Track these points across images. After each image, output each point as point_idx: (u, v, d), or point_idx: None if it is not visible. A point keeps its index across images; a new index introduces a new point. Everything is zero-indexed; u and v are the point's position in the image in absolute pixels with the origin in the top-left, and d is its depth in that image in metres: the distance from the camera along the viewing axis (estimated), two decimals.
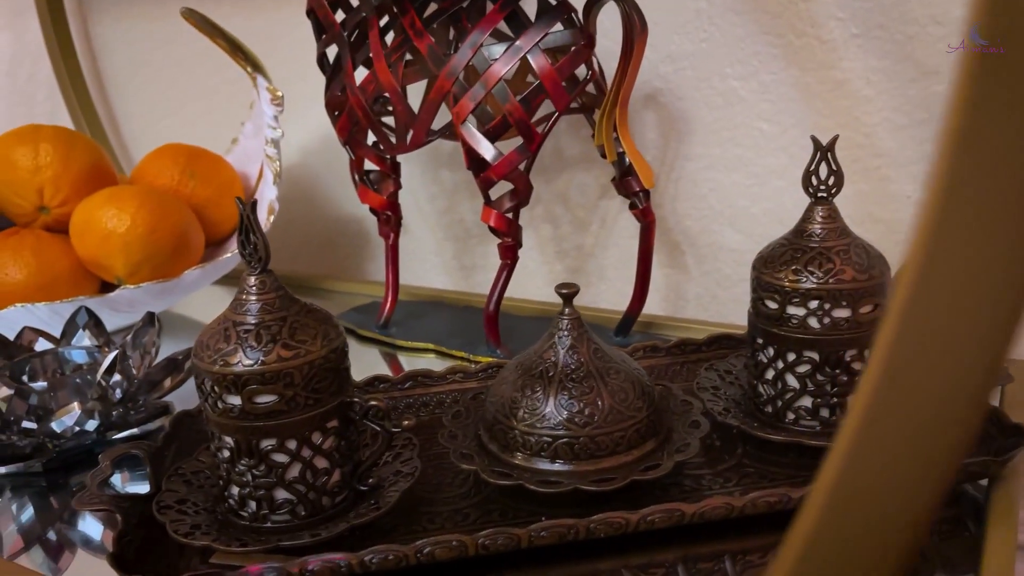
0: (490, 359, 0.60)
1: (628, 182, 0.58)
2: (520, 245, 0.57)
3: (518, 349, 0.61)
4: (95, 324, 0.58)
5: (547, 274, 0.74)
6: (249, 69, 0.66)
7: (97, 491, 0.40)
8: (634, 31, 0.51)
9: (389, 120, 0.62)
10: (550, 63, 0.53)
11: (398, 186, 0.63)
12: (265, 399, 0.38)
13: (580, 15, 0.54)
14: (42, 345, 0.57)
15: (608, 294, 0.72)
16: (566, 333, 0.42)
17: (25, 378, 0.54)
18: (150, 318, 0.56)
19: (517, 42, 0.53)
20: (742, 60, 0.61)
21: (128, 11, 0.91)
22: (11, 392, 0.48)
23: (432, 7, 0.58)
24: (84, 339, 0.58)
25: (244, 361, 0.37)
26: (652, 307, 0.69)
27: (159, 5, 0.89)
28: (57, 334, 0.58)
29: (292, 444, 0.38)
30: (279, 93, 0.66)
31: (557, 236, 0.72)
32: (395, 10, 0.58)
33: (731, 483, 0.42)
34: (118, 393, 0.51)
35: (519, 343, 0.61)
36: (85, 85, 0.93)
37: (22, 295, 0.64)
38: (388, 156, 0.62)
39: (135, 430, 0.50)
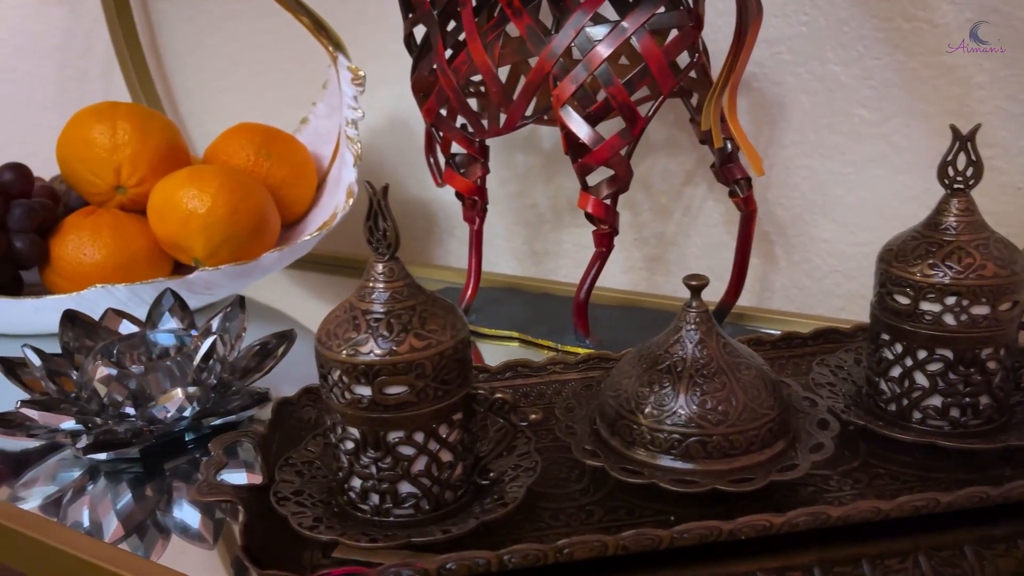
0: (582, 349, 0.58)
1: (730, 169, 0.56)
2: (617, 232, 0.56)
3: (605, 339, 0.59)
4: (180, 307, 0.57)
5: (624, 262, 0.73)
6: (330, 48, 0.65)
7: (216, 481, 0.39)
8: (749, 14, 0.49)
9: (472, 102, 0.60)
10: (657, 45, 0.52)
11: (486, 170, 0.61)
12: (395, 390, 0.36)
13: None
14: (126, 327, 0.56)
15: None
16: (694, 327, 0.41)
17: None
18: (239, 302, 0.55)
19: (623, 23, 0.51)
20: (845, 44, 0.59)
21: None
22: (108, 374, 0.47)
23: None
24: (169, 322, 0.57)
25: (376, 351, 0.36)
26: (750, 300, 0.68)
27: None
28: (134, 314, 0.57)
29: (419, 437, 0.37)
30: (361, 73, 0.65)
31: (637, 223, 0.71)
32: None
33: (861, 484, 0.41)
34: (213, 379, 0.50)
35: (603, 332, 0.60)
36: (144, 61, 0.91)
37: (100, 275, 0.63)
38: (477, 139, 0.60)
39: (232, 417, 0.49)
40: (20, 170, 0.62)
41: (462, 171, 0.62)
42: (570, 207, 0.74)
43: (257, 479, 0.41)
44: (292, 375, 0.53)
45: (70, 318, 0.53)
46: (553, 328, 0.62)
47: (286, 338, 0.54)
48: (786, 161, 0.63)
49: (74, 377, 0.51)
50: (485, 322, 0.64)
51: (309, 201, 0.72)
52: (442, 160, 0.63)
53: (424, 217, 0.83)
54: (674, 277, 0.71)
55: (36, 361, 0.50)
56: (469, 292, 0.65)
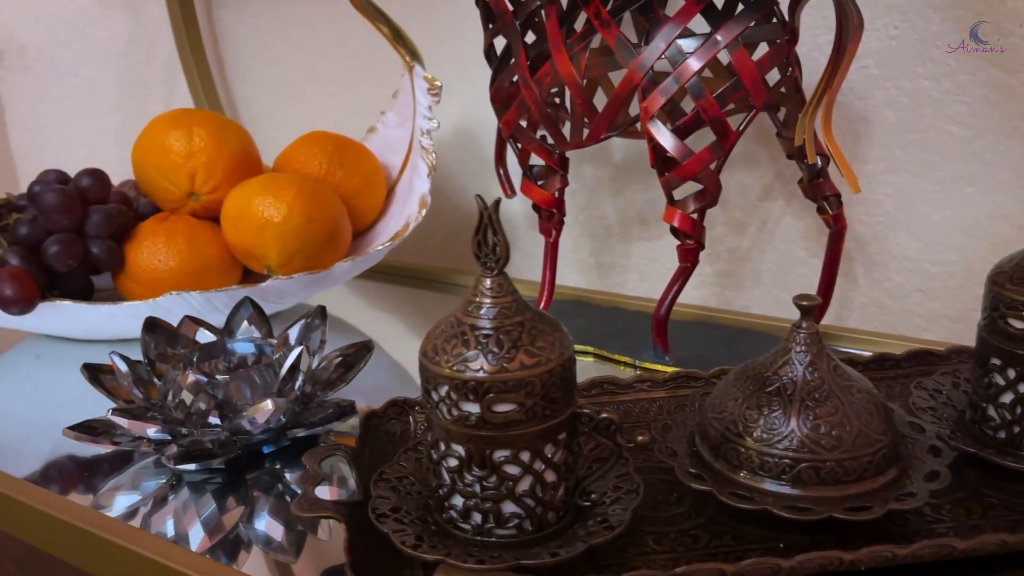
0: (661, 366, 0.57)
1: (819, 185, 0.55)
2: (703, 247, 0.55)
3: (684, 356, 0.58)
4: (258, 315, 0.56)
5: (696, 276, 0.71)
6: (407, 58, 0.64)
7: (315, 496, 0.39)
8: (849, 27, 0.48)
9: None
10: (751, 58, 0.51)
11: (565, 183, 0.60)
12: (504, 408, 0.36)
13: (780, 8, 0.52)
14: (203, 335, 0.56)
15: (763, 300, 0.69)
16: (804, 348, 0.40)
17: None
18: (321, 313, 0.54)
19: (716, 35, 0.50)
20: (936, 59, 0.58)
21: None
22: (197, 382, 0.47)
23: None
24: (247, 331, 0.56)
25: (486, 367, 0.35)
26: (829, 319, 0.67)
27: None
28: (208, 322, 0.56)
29: (525, 456, 0.36)
30: (437, 83, 0.64)
31: (710, 237, 0.69)
32: (578, 1, 0.56)
33: (975, 515, 0.39)
34: (297, 390, 0.50)
35: (679, 349, 0.59)
36: (208, 68, 0.92)
37: (174, 282, 0.63)
38: (557, 151, 0.59)
39: (319, 429, 0.49)
40: (98, 176, 0.62)
41: (540, 183, 0.61)
42: (639, 220, 0.73)
43: (344, 494, 0.40)
44: (359, 386, 0.53)
45: (151, 326, 0.53)
46: (629, 343, 0.61)
47: (367, 349, 0.53)
48: (869, 177, 0.62)
49: (158, 384, 0.51)
50: None
51: (378, 210, 0.72)
52: (512, 171, 0.63)
53: None
54: (747, 292, 0.70)
55: (123, 368, 0.49)
56: (542, 305, 0.64)
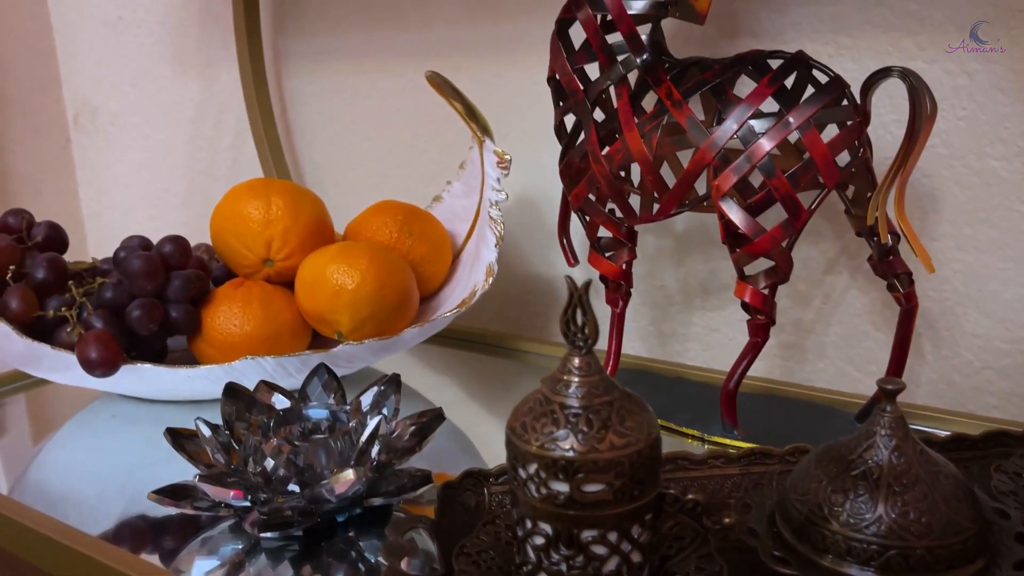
0: (730, 441, 0.57)
1: (891, 263, 0.55)
2: (774, 323, 0.55)
3: (751, 431, 0.58)
4: (333, 382, 0.57)
5: None
6: (478, 132, 0.66)
7: (402, 570, 0.39)
8: (922, 112, 0.49)
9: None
10: (823, 139, 0.52)
11: (633, 255, 0.61)
12: (593, 488, 0.36)
13: (851, 90, 0.53)
14: (278, 400, 0.57)
15: (827, 373, 0.69)
16: (888, 432, 0.40)
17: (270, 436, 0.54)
18: (395, 381, 0.55)
19: (788, 117, 0.52)
20: (1005, 139, 0.58)
21: (324, 66, 0.94)
22: (279, 447, 0.48)
23: (690, 77, 0.57)
24: (321, 396, 0.57)
25: (576, 447, 0.36)
26: (872, 389, 0.66)
27: (355, 62, 0.91)
28: (283, 387, 0.58)
29: (613, 536, 0.37)
30: (507, 157, 0.66)
31: None
32: (648, 80, 0.58)
33: None
34: (375, 459, 0.50)
35: (746, 422, 0.59)
36: (276, 134, 0.95)
37: (248, 346, 0.64)
38: (626, 225, 0.61)
39: (395, 498, 0.49)
40: (179, 243, 0.65)
41: (608, 255, 0.62)
42: (701, 290, 0.74)
43: (427, 569, 0.41)
44: (423, 452, 0.53)
45: (231, 392, 0.54)
46: (696, 416, 0.61)
47: (440, 418, 0.54)
48: (937, 253, 0.62)
49: (237, 449, 0.52)
50: None
51: (444, 276, 0.74)
52: (574, 238, 0.64)
53: (546, 294, 0.83)
54: (810, 365, 0.70)
55: (207, 433, 0.51)
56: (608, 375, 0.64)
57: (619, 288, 0.62)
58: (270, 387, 0.58)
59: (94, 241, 1.27)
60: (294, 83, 0.97)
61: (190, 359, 0.69)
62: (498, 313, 0.86)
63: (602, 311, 0.65)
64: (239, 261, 0.68)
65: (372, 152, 0.92)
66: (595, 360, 0.38)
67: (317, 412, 0.56)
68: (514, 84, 0.80)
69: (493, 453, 0.59)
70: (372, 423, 0.50)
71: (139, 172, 1.16)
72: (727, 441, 0.58)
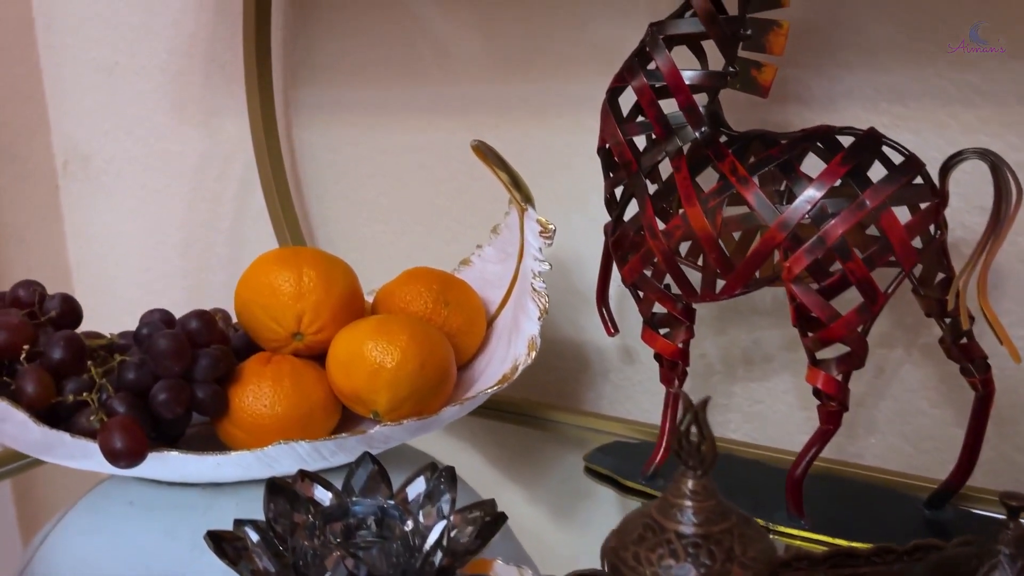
0: (796, 530, 0.55)
1: (966, 347, 0.53)
2: (847, 409, 0.53)
3: (817, 519, 0.55)
4: (379, 473, 0.54)
5: (804, 421, 0.69)
6: (521, 201, 0.64)
7: None
8: (1008, 198, 0.47)
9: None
10: (900, 221, 0.50)
11: (691, 334, 0.59)
12: None
13: (927, 170, 0.51)
14: (320, 493, 0.53)
15: (877, 448, 0.67)
16: (1013, 551, 0.37)
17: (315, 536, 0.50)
18: (450, 475, 0.52)
19: (864, 198, 0.50)
20: None
21: (337, 118, 0.91)
22: (338, 558, 0.44)
23: (753, 152, 0.55)
24: (364, 485, 0.54)
25: None
26: (928, 468, 0.65)
27: (371, 116, 0.88)
28: (311, 467, 0.54)
29: None
30: (551, 227, 0.63)
31: None
32: (708, 154, 0.55)
33: None
34: (437, 564, 0.47)
35: (807, 506, 0.56)
36: (288, 188, 0.91)
37: (278, 428, 0.60)
38: (684, 302, 0.58)
39: None
40: (205, 319, 0.61)
41: (663, 331, 0.59)
42: (744, 360, 0.71)
43: None
44: None
45: (275, 488, 0.50)
46: (755, 501, 0.58)
47: (502, 518, 0.51)
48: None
49: (282, 550, 0.48)
50: None
51: (477, 347, 0.70)
52: (607, 309, 0.61)
53: (576, 359, 0.80)
54: (860, 441, 0.67)
55: (255, 538, 0.47)
56: (660, 455, 0.61)
57: (675, 367, 0.60)
58: (311, 478, 0.54)
59: (81, 291, 1.22)
60: (304, 134, 0.93)
61: (211, 438, 0.65)
62: (523, 378, 0.83)
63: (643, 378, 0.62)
64: (266, 335, 0.64)
65: (389, 209, 0.89)
66: (711, 483, 0.36)
67: (364, 507, 0.52)
68: (542, 144, 0.78)
69: (525, 530, 0.57)
70: (436, 530, 0.46)
71: (134, 222, 1.11)
72: (794, 531, 0.55)
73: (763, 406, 0.71)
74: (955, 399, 0.63)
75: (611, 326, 0.69)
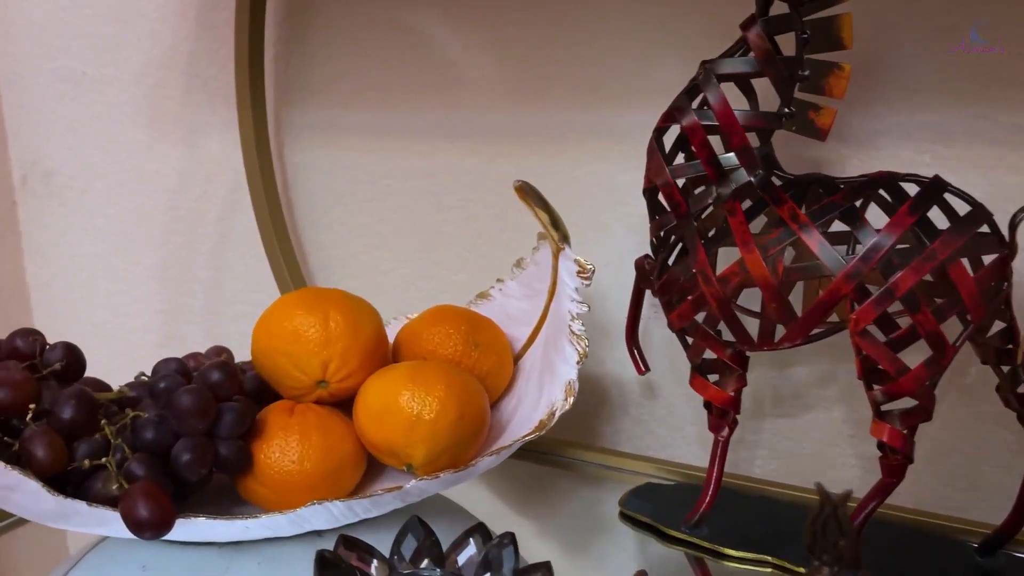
0: None
1: None
2: (912, 462, 0.52)
3: (875, 571, 0.54)
4: (428, 539, 0.51)
5: (838, 457, 0.69)
6: (558, 240, 0.61)
7: None
8: None
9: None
10: (971, 273, 0.49)
11: (744, 382, 0.57)
12: None
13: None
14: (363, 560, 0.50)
15: (914, 487, 0.66)
16: None
17: None
18: (512, 541, 0.49)
19: (933, 248, 0.49)
20: None
21: (334, 141, 0.86)
22: None
23: (812, 197, 0.54)
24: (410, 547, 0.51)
25: None
26: (963, 508, 0.64)
27: (372, 139, 0.84)
28: (342, 525, 0.51)
29: None
30: (589, 267, 0.61)
31: (854, 418, 0.67)
32: (765, 198, 0.54)
33: None
34: None
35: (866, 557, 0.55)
36: (282, 211, 0.87)
37: (307, 485, 0.57)
38: (737, 349, 0.56)
39: None
40: (227, 370, 0.56)
41: (712, 378, 0.58)
42: (773, 397, 0.70)
43: None
44: None
45: (325, 563, 0.47)
46: (798, 547, 0.57)
47: None
48: None
49: None
50: (723, 540, 0.59)
51: (503, 389, 0.68)
52: (638, 347, 0.59)
53: (594, 393, 0.78)
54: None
55: None
56: (706, 503, 0.60)
57: (725, 415, 0.58)
58: (358, 547, 0.50)
59: (40, 314, 1.15)
60: (297, 157, 0.89)
61: (224, 491, 0.61)
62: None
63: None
64: (288, 383, 0.60)
65: (390, 235, 0.86)
66: None
67: None
68: (560, 175, 0.75)
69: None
70: None
71: (102, 242, 1.05)
72: None
73: (791, 443, 0.70)
74: (993, 440, 0.62)
75: (643, 365, 0.67)
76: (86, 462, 0.52)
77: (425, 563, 0.50)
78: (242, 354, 0.66)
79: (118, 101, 0.99)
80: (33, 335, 0.57)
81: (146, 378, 0.59)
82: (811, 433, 0.69)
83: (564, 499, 0.70)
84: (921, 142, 0.61)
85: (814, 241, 0.51)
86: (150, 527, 0.50)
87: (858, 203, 0.52)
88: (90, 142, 1.03)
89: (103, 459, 0.52)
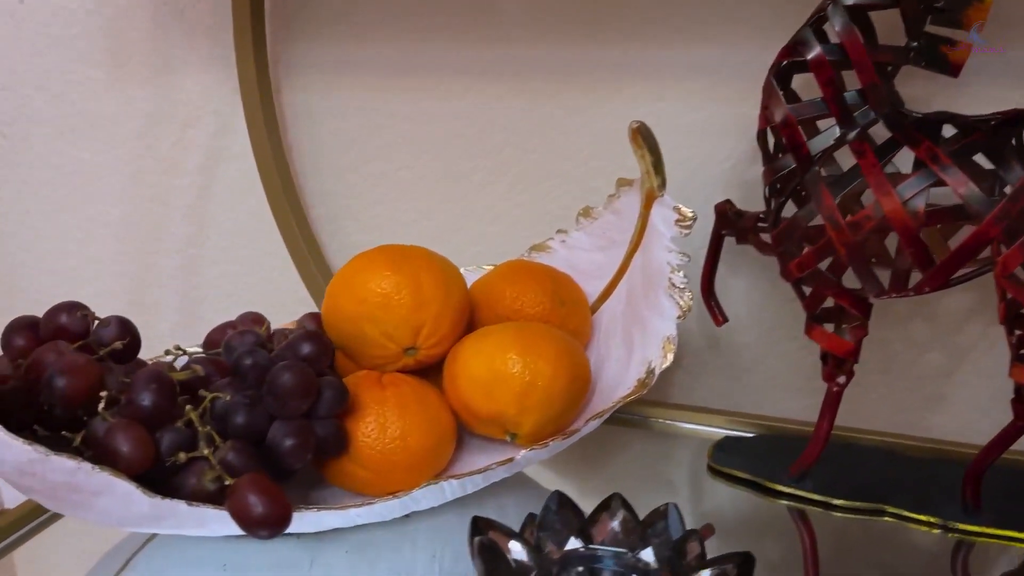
0: (973, 526, 0.53)
1: None
2: None
3: (995, 513, 0.54)
4: (570, 512, 0.47)
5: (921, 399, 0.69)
6: (657, 187, 0.57)
7: None
8: None
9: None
10: None
11: (866, 331, 0.55)
12: None
13: None
14: (516, 550, 0.45)
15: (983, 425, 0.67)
16: None
17: None
18: (699, 540, 0.45)
19: None
20: None
21: (344, 80, 0.78)
22: None
23: (950, 138, 0.52)
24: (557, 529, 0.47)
25: None
26: None
27: (390, 78, 0.77)
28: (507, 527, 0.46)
29: None
30: (690, 214, 0.57)
31: (906, 359, 0.67)
32: (896, 138, 0.51)
33: None
34: None
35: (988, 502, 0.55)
36: (284, 155, 0.78)
37: (412, 463, 0.51)
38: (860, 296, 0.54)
39: None
40: (319, 341, 0.50)
41: (833, 328, 0.55)
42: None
43: None
44: None
45: (487, 549, 0.42)
46: (919, 497, 0.56)
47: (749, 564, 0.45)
48: None
49: None
50: (833, 491, 0.57)
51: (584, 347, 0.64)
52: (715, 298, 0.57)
53: None
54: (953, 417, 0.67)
55: None
56: (813, 455, 0.58)
57: (843, 364, 0.56)
58: (491, 527, 0.46)
59: None
60: (299, 97, 0.80)
61: (306, 473, 0.54)
62: None
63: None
64: (373, 352, 0.54)
65: (410, 185, 0.79)
66: None
67: (607, 561, 0.45)
68: (616, 115, 0.70)
69: None
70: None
71: (50, 196, 0.93)
72: (976, 528, 0.54)
73: (887, 390, 0.69)
74: None
75: (721, 315, 0.64)
76: (181, 455, 0.44)
77: (572, 541, 0.47)
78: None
79: (66, 35, 0.86)
80: (80, 309, 0.49)
81: (216, 354, 0.52)
82: (867, 377, 0.69)
83: (623, 456, 0.67)
84: (1015, 78, 0.60)
85: (960, 182, 0.49)
86: (267, 524, 0.43)
87: (1001, 143, 0.50)
88: (30, 82, 0.89)
89: (203, 451, 0.45)
